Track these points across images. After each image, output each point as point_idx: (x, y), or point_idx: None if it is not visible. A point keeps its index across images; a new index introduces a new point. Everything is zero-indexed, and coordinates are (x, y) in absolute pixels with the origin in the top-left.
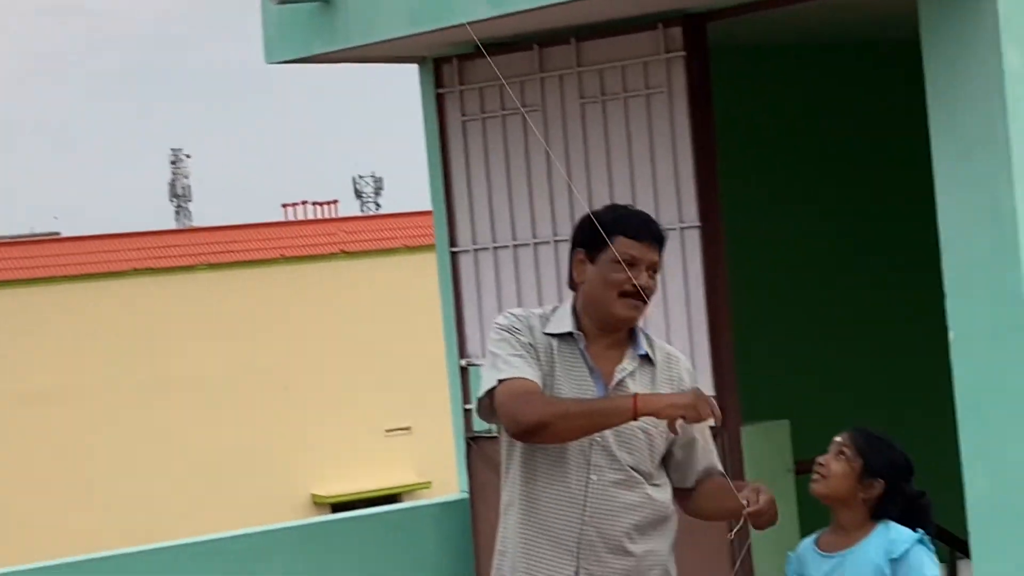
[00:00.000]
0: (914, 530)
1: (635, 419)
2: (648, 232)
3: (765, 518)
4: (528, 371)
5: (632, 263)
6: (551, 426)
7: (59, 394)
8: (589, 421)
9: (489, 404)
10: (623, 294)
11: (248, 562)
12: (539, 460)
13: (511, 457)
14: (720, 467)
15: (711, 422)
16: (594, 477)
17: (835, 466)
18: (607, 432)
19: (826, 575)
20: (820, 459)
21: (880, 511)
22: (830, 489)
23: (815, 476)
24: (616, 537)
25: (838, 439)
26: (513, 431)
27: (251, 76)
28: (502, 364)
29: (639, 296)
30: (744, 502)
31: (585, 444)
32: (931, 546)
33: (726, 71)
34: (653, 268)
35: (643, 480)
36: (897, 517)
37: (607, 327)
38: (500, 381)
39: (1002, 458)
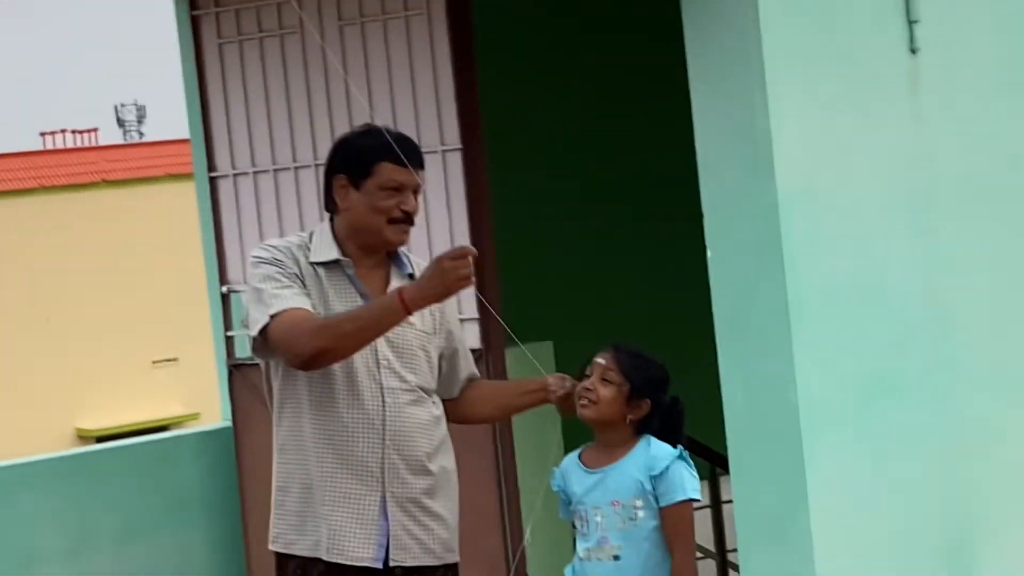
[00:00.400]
0: (671, 437)
1: (409, 314)
2: (413, 157)
3: (571, 406)
4: (297, 300)
5: (399, 189)
6: (333, 350)
7: None
8: (368, 332)
9: (263, 342)
10: (392, 220)
11: (8, 493)
12: (330, 390)
13: (291, 392)
14: (476, 371)
15: (471, 281)
16: (389, 400)
17: (603, 391)
18: (391, 355)
19: (588, 489)
20: (587, 384)
21: (642, 427)
22: (600, 414)
23: (584, 402)
24: (417, 457)
25: (601, 361)
26: (296, 364)
27: None
28: (269, 298)
29: (408, 221)
30: (552, 389)
31: (373, 368)
32: (690, 461)
33: (488, 14)
34: (416, 189)
35: (427, 396)
36: (657, 428)
37: (372, 250)
38: (272, 317)
39: (758, 373)
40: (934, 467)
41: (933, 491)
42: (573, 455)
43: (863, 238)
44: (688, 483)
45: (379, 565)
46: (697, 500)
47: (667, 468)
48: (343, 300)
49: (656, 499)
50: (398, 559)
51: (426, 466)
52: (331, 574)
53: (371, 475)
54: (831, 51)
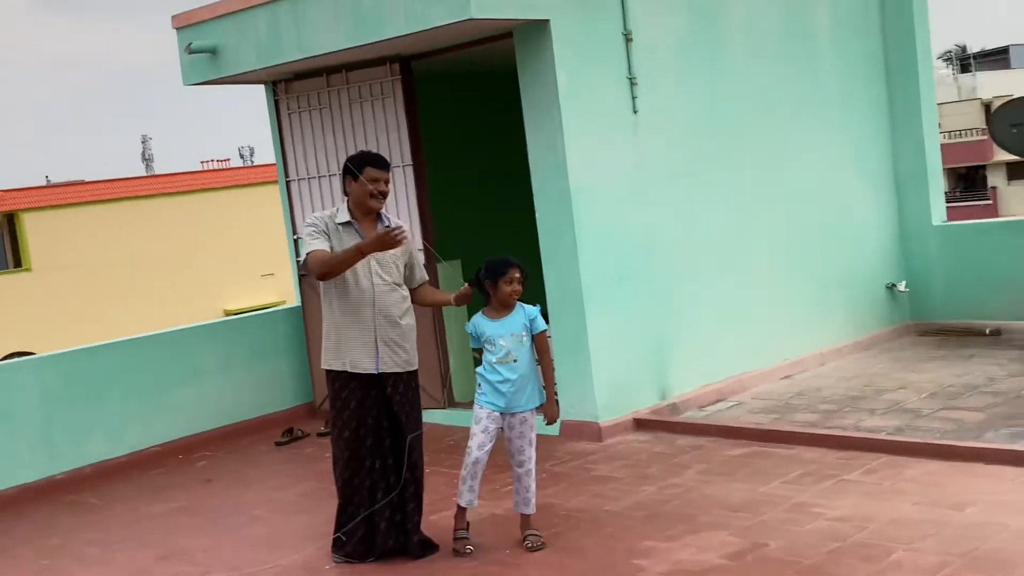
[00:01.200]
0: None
1: (363, 256)
2: (382, 162)
3: (467, 299)
4: (319, 245)
5: (376, 179)
6: (329, 273)
7: None
8: (343, 265)
9: (306, 264)
10: (372, 196)
11: (186, 339)
12: (346, 286)
13: (328, 288)
14: (427, 277)
15: (408, 241)
16: (376, 289)
17: (519, 288)
18: (378, 267)
19: (496, 329)
20: (513, 287)
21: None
22: (517, 299)
23: (515, 296)
24: (393, 316)
25: (518, 275)
26: (316, 278)
27: None
28: (306, 245)
29: (382, 196)
30: (459, 292)
31: (368, 273)
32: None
33: (426, 87)
34: (385, 181)
35: (399, 287)
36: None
37: (366, 214)
38: (308, 254)
39: (562, 270)
40: (647, 314)
41: (649, 326)
42: (479, 315)
43: (611, 206)
44: (543, 323)
45: (376, 371)
46: (548, 331)
47: (536, 316)
48: (351, 240)
49: (530, 331)
50: (384, 368)
51: (397, 322)
52: (353, 379)
53: (369, 328)
54: (595, 113)
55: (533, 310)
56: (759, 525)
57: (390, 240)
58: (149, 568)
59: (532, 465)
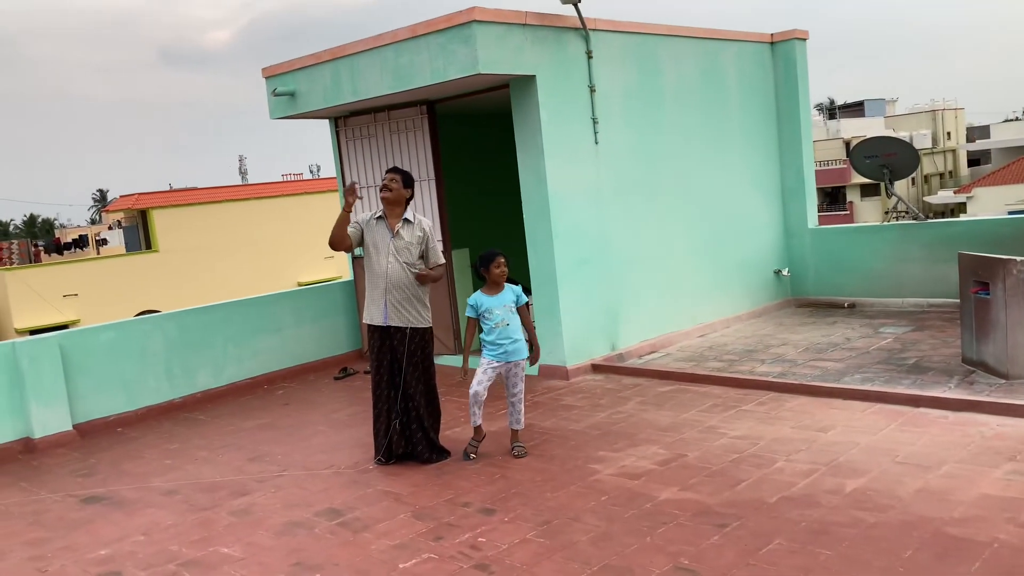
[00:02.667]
0: (515, 283)
1: (346, 213)
2: (392, 169)
3: (424, 280)
4: (352, 231)
5: (384, 180)
6: (331, 239)
7: None
8: (335, 228)
9: None
10: (381, 189)
11: (272, 304)
12: (371, 262)
13: (360, 263)
14: (442, 260)
15: (356, 190)
16: (389, 268)
17: (505, 270)
18: (394, 249)
19: (492, 303)
20: (501, 271)
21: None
22: (504, 279)
23: (503, 278)
24: (400, 285)
25: (502, 259)
26: (329, 246)
27: None
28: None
29: (385, 188)
30: (420, 272)
31: (387, 255)
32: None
33: (445, 123)
34: (390, 179)
35: (410, 266)
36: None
37: (391, 211)
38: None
39: (542, 255)
40: (602, 290)
41: (604, 298)
42: (478, 293)
43: (577, 210)
44: (525, 297)
45: (384, 323)
46: (530, 302)
47: (520, 293)
48: (380, 231)
49: (516, 303)
50: (391, 322)
51: (403, 290)
52: (373, 331)
53: (381, 293)
54: (567, 142)
55: (517, 288)
56: (680, 441)
57: (348, 191)
58: (242, 466)
59: (522, 395)
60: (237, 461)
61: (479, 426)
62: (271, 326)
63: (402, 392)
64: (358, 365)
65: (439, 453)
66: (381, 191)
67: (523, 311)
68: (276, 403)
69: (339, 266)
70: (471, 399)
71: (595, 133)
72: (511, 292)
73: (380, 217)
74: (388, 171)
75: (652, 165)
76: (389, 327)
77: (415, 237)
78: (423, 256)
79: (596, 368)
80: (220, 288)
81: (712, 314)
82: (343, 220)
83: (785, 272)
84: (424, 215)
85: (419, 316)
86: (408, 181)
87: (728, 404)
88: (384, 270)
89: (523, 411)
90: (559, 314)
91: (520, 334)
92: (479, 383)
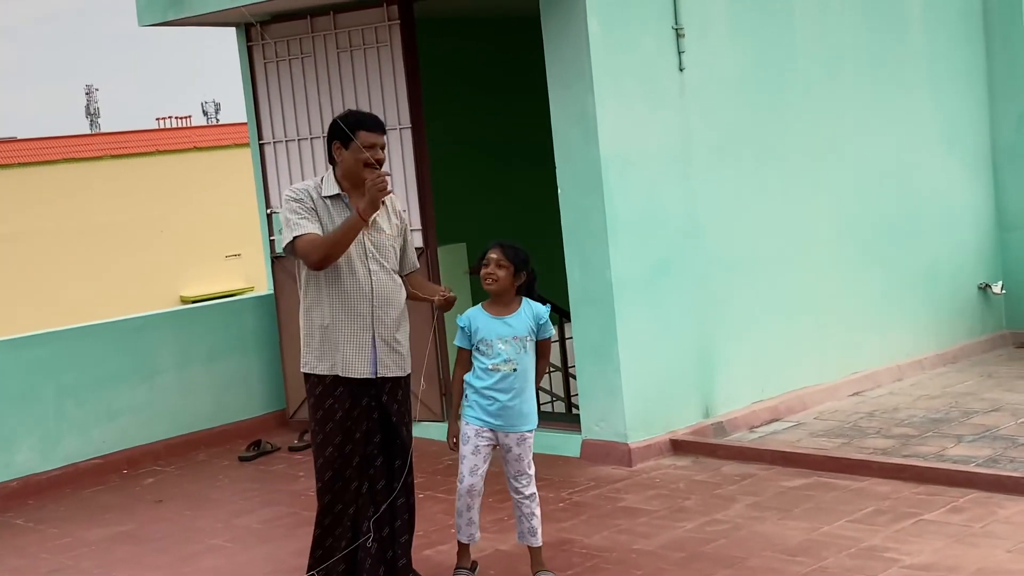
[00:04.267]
0: (531, 294)
1: (365, 222)
2: (378, 125)
3: (449, 307)
4: (311, 227)
5: (372, 145)
6: (330, 256)
7: None
8: (346, 240)
9: (292, 250)
10: (367, 165)
11: (139, 331)
12: (338, 272)
13: (312, 275)
14: (418, 263)
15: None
16: (374, 276)
17: (500, 273)
18: (374, 250)
19: (495, 328)
20: (487, 270)
21: (520, 290)
22: (500, 288)
23: (489, 281)
24: (394, 309)
25: (493, 255)
26: (311, 267)
27: None
28: (294, 225)
29: (377, 164)
30: (441, 295)
31: (364, 258)
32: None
33: (429, 35)
34: (382, 147)
35: (395, 275)
36: (528, 288)
37: (357, 186)
38: (295, 237)
39: (588, 261)
40: (690, 315)
41: (687, 328)
42: (477, 308)
43: (650, 181)
44: (551, 328)
45: (373, 375)
46: (554, 337)
47: (545, 320)
48: (342, 218)
49: (536, 335)
50: (382, 372)
51: (397, 317)
52: (340, 384)
53: (365, 324)
54: (632, 71)
55: (542, 310)
56: (820, 572)
57: (381, 183)
58: None
59: (534, 489)
60: None
61: (467, 546)
62: (137, 370)
63: (385, 487)
64: (280, 437)
65: None
66: (365, 168)
67: (542, 346)
68: (143, 499)
69: (250, 271)
70: (460, 499)
71: (679, 54)
72: (530, 315)
73: (336, 195)
74: (372, 127)
75: (775, 110)
76: (374, 380)
77: (394, 226)
78: (399, 253)
79: (678, 447)
80: (52, 305)
81: (875, 358)
82: (355, 229)
83: (997, 288)
84: (396, 187)
85: (408, 355)
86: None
87: (901, 510)
88: (367, 286)
89: (539, 514)
90: (616, 356)
91: (533, 390)
92: (471, 470)
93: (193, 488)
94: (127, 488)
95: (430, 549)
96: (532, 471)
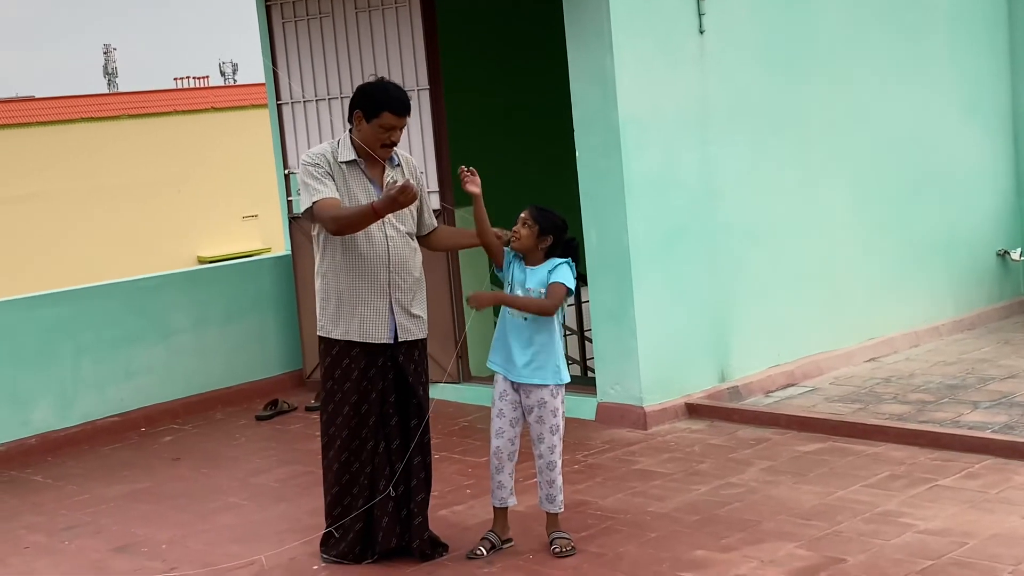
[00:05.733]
0: (572, 258)
1: (378, 217)
2: (403, 108)
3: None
4: (328, 191)
5: (391, 128)
6: (345, 230)
7: None
8: (360, 224)
9: (310, 215)
10: (384, 145)
11: (156, 290)
12: (356, 240)
13: (328, 239)
14: (435, 222)
15: (417, 193)
16: (391, 241)
17: (523, 231)
18: (391, 215)
19: (521, 277)
20: (513, 229)
21: (548, 252)
22: (522, 246)
23: (513, 239)
24: (410, 275)
25: (522, 215)
26: (329, 232)
27: None
28: (312, 190)
29: (392, 146)
30: (499, 235)
31: (382, 223)
32: (573, 266)
33: None
34: (401, 129)
35: (411, 237)
36: (561, 254)
37: (372, 155)
38: (313, 202)
39: (605, 224)
40: (707, 279)
41: (703, 293)
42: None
43: (666, 145)
44: (563, 275)
45: (391, 341)
46: (570, 289)
47: (557, 266)
48: (358, 184)
49: (546, 283)
50: (403, 336)
51: (414, 282)
52: (356, 345)
53: (382, 290)
54: (651, 33)
55: (558, 261)
56: (834, 536)
57: (405, 198)
58: (103, 561)
59: (555, 457)
60: (94, 553)
61: (502, 512)
62: (154, 330)
63: (403, 446)
64: (297, 397)
65: (438, 546)
66: (381, 147)
67: (552, 288)
68: (160, 457)
69: (267, 232)
70: (492, 459)
71: (700, 16)
72: (546, 270)
73: (352, 161)
74: (392, 107)
75: (795, 73)
76: (390, 344)
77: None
78: (416, 216)
79: (693, 410)
80: (70, 264)
81: (892, 324)
82: (368, 220)
83: (1016, 255)
84: (408, 150)
85: (424, 318)
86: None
87: (916, 475)
88: (384, 252)
89: (560, 481)
90: (632, 319)
91: (550, 345)
92: (496, 433)
93: (210, 446)
94: (145, 446)
95: (445, 509)
96: (556, 439)
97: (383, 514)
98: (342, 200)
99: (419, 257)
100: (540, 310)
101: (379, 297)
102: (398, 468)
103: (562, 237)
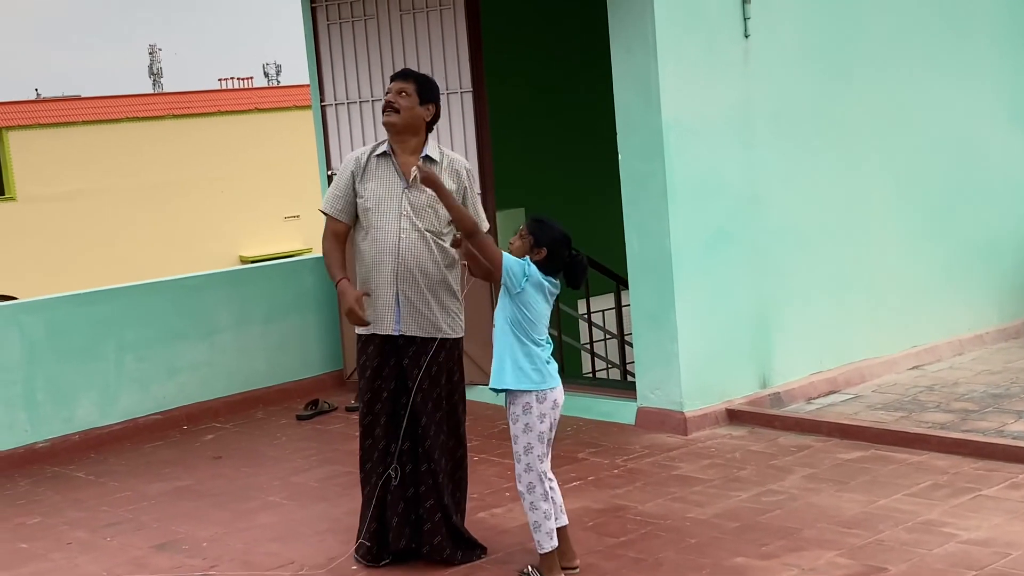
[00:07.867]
0: (573, 278)
1: (337, 288)
2: (401, 73)
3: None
4: (333, 205)
5: (390, 91)
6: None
7: None
8: (328, 270)
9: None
10: (383, 109)
11: (199, 290)
12: (368, 231)
13: (356, 230)
14: (487, 224)
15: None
16: (403, 235)
17: (517, 242)
18: (409, 210)
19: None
20: (512, 239)
21: (544, 266)
22: (516, 254)
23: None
24: (422, 269)
25: (521, 227)
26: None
27: None
28: (326, 198)
29: (389, 106)
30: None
31: (397, 217)
32: (530, 269)
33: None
34: (398, 91)
35: (436, 237)
36: (561, 270)
37: (400, 141)
38: (323, 211)
39: (647, 229)
40: (748, 284)
41: (745, 299)
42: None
43: (710, 149)
44: (513, 265)
45: (396, 333)
46: (515, 271)
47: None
48: (383, 176)
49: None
50: (405, 331)
51: (427, 277)
52: (371, 343)
53: (388, 281)
54: (696, 37)
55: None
56: (876, 545)
57: (350, 318)
58: (144, 558)
59: (519, 482)
60: (135, 550)
61: (561, 531)
62: (196, 328)
63: (410, 446)
64: (337, 397)
65: (466, 548)
66: (384, 111)
67: (494, 249)
68: (202, 455)
69: (309, 233)
70: (532, 483)
71: (745, 21)
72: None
73: (384, 154)
74: (394, 77)
75: (840, 76)
76: (398, 338)
77: (452, 186)
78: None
79: (735, 416)
80: (114, 262)
81: (935, 331)
82: (332, 278)
83: None
84: (457, 151)
85: (448, 320)
86: (428, 92)
87: (959, 485)
88: (392, 243)
89: (554, 501)
90: (673, 324)
91: (506, 348)
92: (538, 455)
93: (251, 445)
94: (186, 444)
95: (484, 512)
96: (519, 452)
97: (393, 514)
98: (361, 188)
99: (441, 257)
100: (465, 222)
101: (386, 286)
102: (409, 471)
103: (561, 251)
